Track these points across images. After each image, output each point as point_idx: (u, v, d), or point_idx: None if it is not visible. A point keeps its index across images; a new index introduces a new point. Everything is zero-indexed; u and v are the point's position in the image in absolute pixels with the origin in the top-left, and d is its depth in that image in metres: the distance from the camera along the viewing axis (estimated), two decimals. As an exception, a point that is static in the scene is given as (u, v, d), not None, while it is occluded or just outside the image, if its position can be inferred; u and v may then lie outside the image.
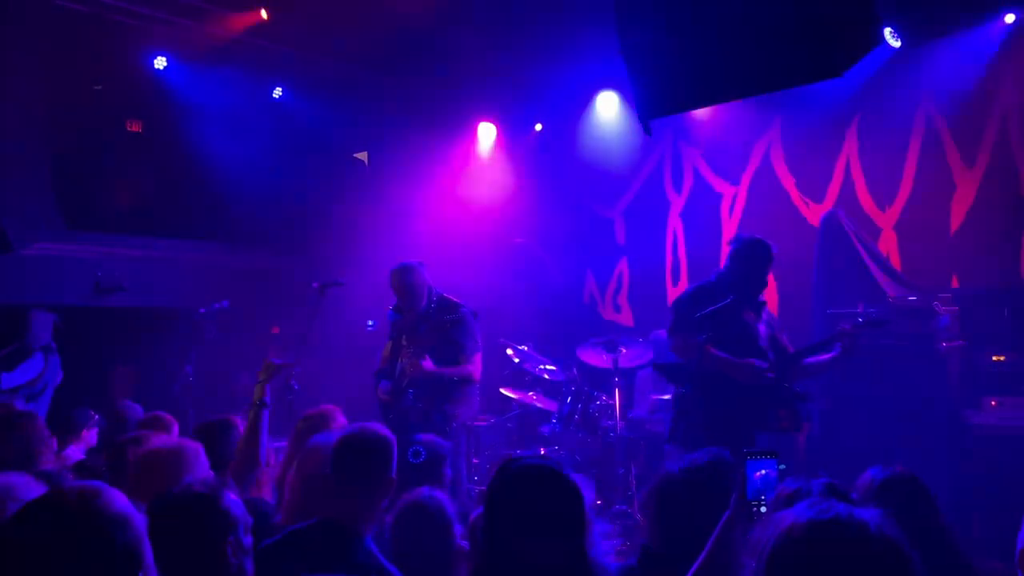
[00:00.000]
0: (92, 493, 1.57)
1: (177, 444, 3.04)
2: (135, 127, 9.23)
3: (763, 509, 2.33)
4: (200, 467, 2.92)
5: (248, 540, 2.16)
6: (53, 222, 8.17)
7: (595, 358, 7.02)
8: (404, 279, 5.45)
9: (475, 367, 5.42)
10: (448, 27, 7.43)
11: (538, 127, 9.22)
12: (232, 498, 2.17)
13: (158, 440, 3.22)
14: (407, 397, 5.40)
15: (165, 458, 2.90)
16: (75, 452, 4.99)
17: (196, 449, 2.99)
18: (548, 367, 7.18)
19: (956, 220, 6.51)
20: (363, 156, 5.26)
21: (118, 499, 1.60)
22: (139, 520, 1.60)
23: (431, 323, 5.43)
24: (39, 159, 8.04)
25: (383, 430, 2.91)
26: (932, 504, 2.52)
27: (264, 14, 7.36)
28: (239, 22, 7.64)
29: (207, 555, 2.04)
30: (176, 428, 4.35)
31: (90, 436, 5.17)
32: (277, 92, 9.05)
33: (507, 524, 2.06)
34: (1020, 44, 6.21)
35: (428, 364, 5.18)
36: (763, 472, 2.37)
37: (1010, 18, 6.20)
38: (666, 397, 6.66)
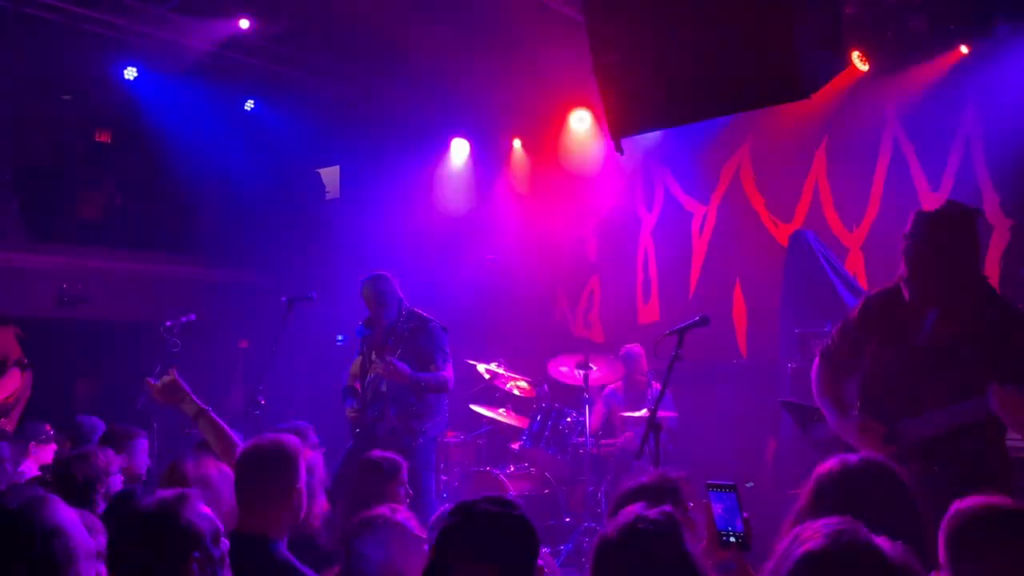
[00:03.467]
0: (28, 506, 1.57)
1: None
2: (103, 137, 9.14)
3: (731, 539, 2.36)
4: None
5: (219, 550, 2.11)
6: (16, 232, 8.05)
7: (566, 375, 7.03)
8: (375, 288, 5.43)
9: (448, 375, 5.40)
10: (422, 44, 7.45)
11: (513, 143, 9.23)
12: (198, 510, 2.09)
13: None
14: (373, 413, 5.36)
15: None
16: (29, 467, 4.89)
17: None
18: (518, 383, 7.17)
19: (921, 241, 6.61)
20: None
21: (56, 512, 1.59)
22: (76, 533, 1.58)
23: (399, 336, 5.41)
24: (2, 168, 7.93)
25: (287, 440, 2.89)
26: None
27: (244, 23, 7.31)
28: (211, 34, 7.59)
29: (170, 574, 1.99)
30: (145, 441, 4.28)
31: (44, 451, 5.07)
32: (248, 105, 9.01)
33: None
34: (982, 70, 6.34)
35: (404, 367, 5.14)
36: (724, 505, 2.40)
37: (964, 49, 6.34)
38: (636, 414, 6.68)
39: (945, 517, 2.02)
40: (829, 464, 2.37)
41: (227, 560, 2.15)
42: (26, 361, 6.81)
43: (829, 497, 2.26)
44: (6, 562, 1.51)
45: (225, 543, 2.14)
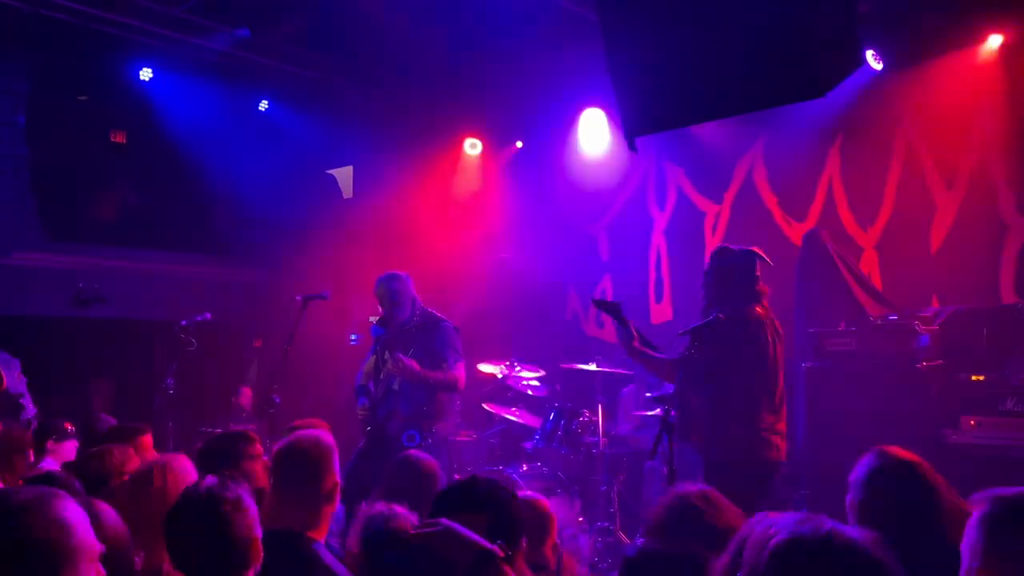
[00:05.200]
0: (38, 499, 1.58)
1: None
2: (119, 138, 9.20)
3: None
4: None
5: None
6: (34, 232, 8.12)
7: (578, 374, 7.03)
8: (388, 287, 5.45)
9: (460, 374, 5.41)
10: (435, 42, 7.47)
11: (519, 144, 9.24)
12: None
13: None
14: (384, 411, 5.38)
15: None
16: (50, 465, 4.93)
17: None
18: (531, 383, 7.17)
19: (936, 240, 6.57)
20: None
21: (64, 508, 1.60)
22: (82, 532, 1.59)
23: (412, 335, 5.42)
24: (21, 168, 7.99)
25: (324, 436, 2.90)
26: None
27: (248, 31, 7.36)
28: (226, 35, 7.63)
29: None
30: (150, 437, 4.30)
31: (65, 449, 5.10)
32: (263, 105, 9.05)
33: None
34: (998, 69, 6.30)
35: (414, 364, 5.15)
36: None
37: (996, 40, 6.27)
38: (649, 414, 6.67)
39: (980, 504, 2.03)
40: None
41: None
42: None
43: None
44: (5, 556, 1.52)
45: None
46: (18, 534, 1.53)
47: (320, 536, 2.74)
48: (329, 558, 2.65)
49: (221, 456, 3.47)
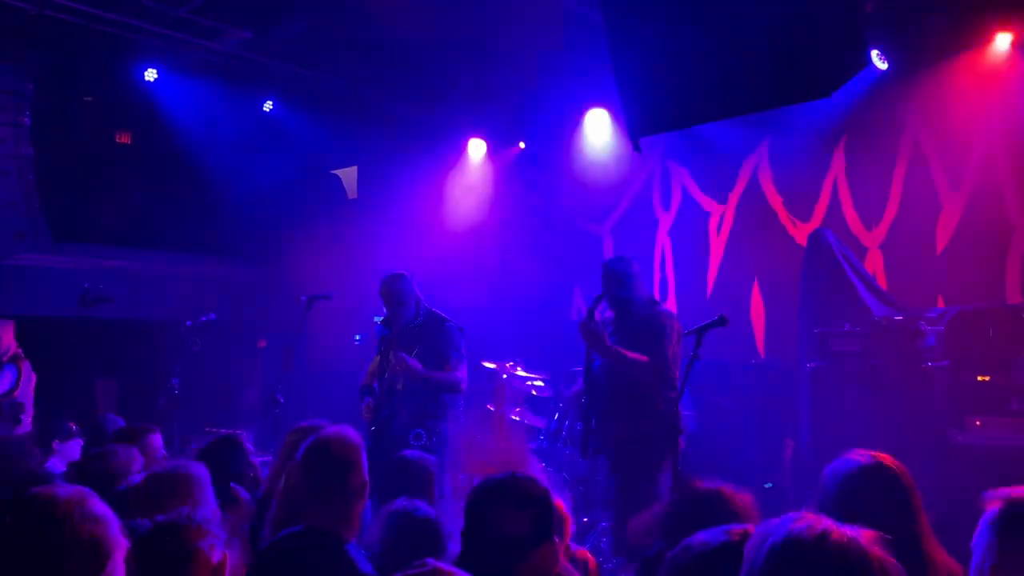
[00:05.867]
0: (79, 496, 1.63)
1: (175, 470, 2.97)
2: (124, 139, 9.23)
3: None
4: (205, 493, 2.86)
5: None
6: (40, 233, 8.13)
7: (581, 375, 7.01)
8: (392, 286, 5.45)
9: (462, 376, 5.40)
10: (438, 43, 7.47)
11: (521, 144, 9.24)
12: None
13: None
14: (387, 411, 5.38)
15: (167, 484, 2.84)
16: (56, 465, 4.95)
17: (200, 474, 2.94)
18: (535, 383, 7.16)
19: (942, 240, 6.56)
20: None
21: (101, 504, 1.65)
22: (115, 526, 1.64)
23: (416, 335, 5.42)
24: (26, 169, 8.01)
25: (351, 434, 2.89)
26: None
27: (249, 34, 7.38)
28: (230, 36, 7.65)
29: None
30: (158, 438, 4.31)
31: (70, 448, 5.11)
32: (268, 106, 9.06)
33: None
34: (1004, 69, 6.28)
35: (417, 364, 5.16)
36: None
37: (1004, 40, 6.25)
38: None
39: (993, 504, 2.04)
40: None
41: None
42: (22, 354, 6.87)
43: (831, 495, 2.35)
44: (52, 553, 1.55)
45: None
46: (64, 531, 1.57)
47: (351, 535, 2.72)
48: (361, 559, 2.63)
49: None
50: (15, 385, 6.65)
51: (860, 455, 2.54)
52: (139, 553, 2.08)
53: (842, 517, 1.48)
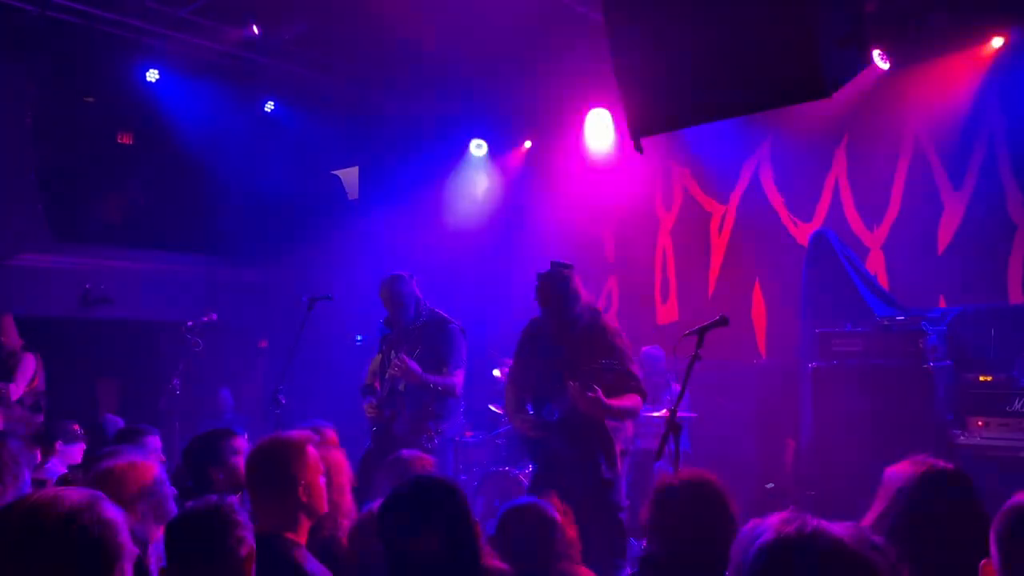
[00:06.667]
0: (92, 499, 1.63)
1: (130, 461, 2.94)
2: (126, 139, 9.24)
3: None
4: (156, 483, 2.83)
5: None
6: (40, 233, 8.14)
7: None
8: (392, 288, 5.45)
9: (457, 381, 5.40)
10: (441, 43, 7.47)
11: (527, 144, 9.24)
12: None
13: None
14: (389, 411, 5.38)
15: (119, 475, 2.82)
16: (57, 466, 4.94)
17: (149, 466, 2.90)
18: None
19: (944, 240, 6.56)
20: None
21: (112, 508, 1.65)
22: (125, 531, 1.64)
23: (417, 336, 5.42)
24: (27, 169, 8.01)
25: (291, 434, 2.88)
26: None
27: (256, 29, 7.37)
28: (232, 36, 7.65)
29: None
30: (157, 439, 4.30)
31: (72, 451, 5.10)
32: (269, 106, 9.06)
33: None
34: (1006, 67, 6.28)
35: (416, 366, 5.16)
36: None
37: (997, 42, 6.26)
38: (655, 415, 6.66)
39: (999, 512, 2.02)
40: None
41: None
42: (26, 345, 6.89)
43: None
44: (63, 556, 1.55)
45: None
46: (75, 535, 1.57)
47: (300, 538, 2.69)
48: (310, 562, 2.61)
49: (206, 453, 3.47)
50: (36, 372, 6.68)
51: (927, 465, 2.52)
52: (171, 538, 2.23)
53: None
